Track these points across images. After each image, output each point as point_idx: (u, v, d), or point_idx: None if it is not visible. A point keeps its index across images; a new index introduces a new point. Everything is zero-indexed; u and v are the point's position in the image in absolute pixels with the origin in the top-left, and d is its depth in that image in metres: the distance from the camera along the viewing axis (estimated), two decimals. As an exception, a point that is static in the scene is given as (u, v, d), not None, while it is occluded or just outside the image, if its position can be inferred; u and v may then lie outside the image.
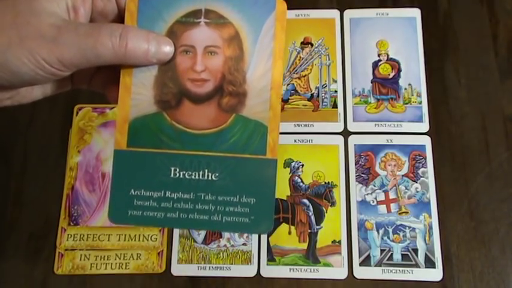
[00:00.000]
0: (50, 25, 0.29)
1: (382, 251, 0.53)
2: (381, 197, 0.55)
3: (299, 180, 0.56)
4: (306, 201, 0.55)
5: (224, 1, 0.35)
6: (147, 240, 0.54)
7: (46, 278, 0.53)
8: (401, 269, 0.52)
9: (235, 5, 0.34)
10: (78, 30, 0.30)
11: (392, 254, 0.53)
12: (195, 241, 0.54)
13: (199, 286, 0.53)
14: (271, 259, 0.53)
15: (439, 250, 0.53)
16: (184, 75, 0.34)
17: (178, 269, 0.54)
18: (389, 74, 0.60)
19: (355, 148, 0.57)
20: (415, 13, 0.62)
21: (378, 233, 0.54)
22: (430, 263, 0.52)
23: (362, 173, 0.56)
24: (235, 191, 0.34)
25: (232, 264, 0.53)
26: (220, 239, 0.54)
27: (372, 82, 0.60)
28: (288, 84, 0.60)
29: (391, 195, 0.55)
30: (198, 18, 0.34)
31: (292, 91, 0.60)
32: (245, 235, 0.54)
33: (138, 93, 0.34)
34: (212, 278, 0.53)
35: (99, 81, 0.36)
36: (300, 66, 0.61)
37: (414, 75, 0.59)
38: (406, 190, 0.55)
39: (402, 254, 0.53)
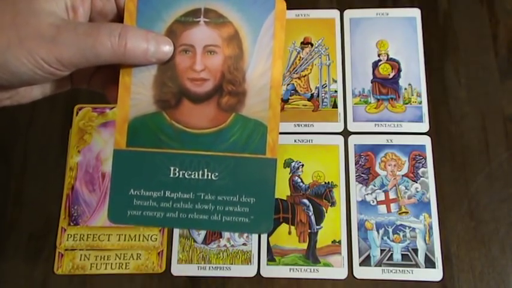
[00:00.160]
0: (49, 25, 0.29)
1: (382, 251, 0.53)
2: (381, 197, 0.55)
3: (299, 180, 0.56)
4: (306, 201, 0.55)
5: (223, 0, 0.34)
6: (147, 240, 0.54)
7: (46, 278, 0.53)
8: (401, 269, 0.52)
9: (235, 4, 0.34)
10: (77, 30, 0.30)
11: (392, 254, 0.53)
12: (195, 241, 0.54)
13: (199, 286, 0.53)
14: (271, 259, 0.53)
15: (439, 250, 0.53)
16: (183, 75, 0.34)
17: (178, 269, 0.54)
18: (389, 74, 0.60)
19: (355, 148, 0.57)
20: (415, 13, 0.62)
21: (378, 233, 0.54)
22: (430, 263, 0.52)
23: (362, 173, 0.56)
24: (234, 190, 0.34)
25: (232, 264, 0.53)
26: (220, 239, 0.54)
27: (372, 82, 0.60)
28: (288, 84, 0.60)
29: (391, 195, 0.55)
30: (198, 18, 0.34)
31: (292, 91, 0.60)
32: (245, 235, 0.54)
33: (137, 93, 0.34)
34: (212, 278, 0.53)
35: (99, 81, 0.36)
36: (300, 66, 0.61)
37: (414, 75, 0.59)
38: (406, 190, 0.55)
39: (402, 254, 0.53)
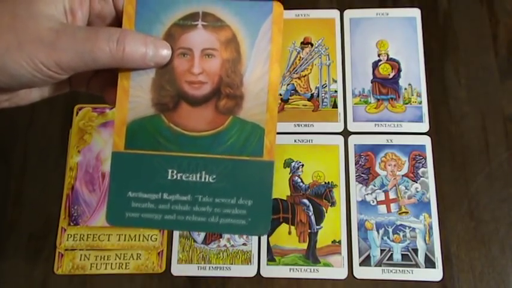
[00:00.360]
0: (49, 29, 0.29)
1: (382, 251, 0.53)
2: (381, 197, 0.55)
3: (299, 180, 0.56)
4: (306, 201, 0.55)
5: (221, 4, 0.34)
6: (147, 240, 0.54)
7: (46, 278, 0.53)
8: (401, 269, 0.52)
9: (233, 8, 0.34)
10: (76, 35, 0.30)
11: (392, 254, 0.53)
12: (195, 241, 0.54)
13: (199, 286, 0.53)
14: (271, 259, 0.53)
15: (439, 250, 0.53)
16: (181, 78, 0.34)
17: (178, 269, 0.54)
18: (389, 74, 0.60)
19: (355, 148, 0.57)
20: (415, 13, 0.62)
21: (378, 233, 0.54)
22: (430, 263, 0.52)
23: (362, 173, 0.56)
24: (232, 192, 0.34)
25: (232, 264, 0.53)
26: (220, 239, 0.54)
27: (372, 82, 0.60)
28: (288, 84, 0.60)
29: (391, 195, 0.55)
30: (196, 21, 0.34)
31: (292, 91, 0.60)
32: (245, 235, 0.54)
33: (136, 96, 0.34)
34: (212, 278, 0.53)
35: (97, 84, 0.36)
36: (300, 66, 0.61)
37: (414, 75, 0.59)
38: (406, 190, 0.55)
39: (402, 254, 0.53)
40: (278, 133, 0.58)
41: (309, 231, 0.54)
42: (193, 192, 0.34)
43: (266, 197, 0.34)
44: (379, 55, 0.60)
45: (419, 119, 0.58)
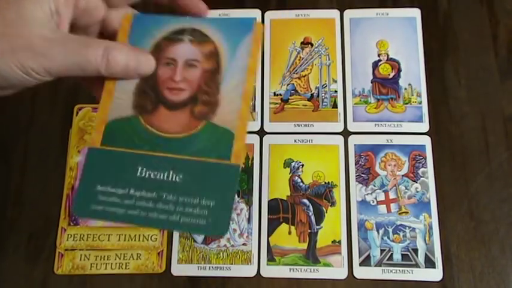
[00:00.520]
0: (40, 37, 0.32)
1: (382, 251, 0.53)
2: (381, 197, 0.55)
3: (299, 180, 0.56)
4: (306, 201, 0.55)
5: (208, 22, 0.38)
6: (147, 240, 0.54)
7: (46, 278, 0.53)
8: (401, 269, 0.52)
9: (218, 26, 0.38)
10: (66, 45, 0.32)
11: (392, 254, 0.53)
12: (195, 241, 0.54)
13: (199, 286, 0.53)
14: (271, 259, 0.53)
15: (439, 250, 0.53)
16: (163, 85, 0.37)
17: (178, 269, 0.54)
18: (389, 74, 0.60)
19: (355, 148, 0.57)
20: (415, 13, 0.62)
21: (378, 233, 0.54)
22: (430, 263, 0.52)
23: (362, 173, 0.56)
24: (196, 193, 0.35)
25: (232, 264, 0.53)
26: (220, 239, 0.54)
27: (372, 82, 0.60)
28: (288, 84, 0.60)
29: (391, 195, 0.55)
30: (183, 36, 0.37)
31: (292, 91, 0.60)
32: (245, 235, 0.54)
33: (118, 98, 0.36)
34: (212, 278, 0.53)
35: (86, 80, 0.37)
36: (300, 66, 0.61)
37: (414, 75, 0.59)
38: (406, 190, 0.55)
39: (402, 254, 0.53)
40: (278, 133, 0.58)
41: (309, 231, 0.54)
42: (158, 190, 0.35)
43: (228, 199, 0.35)
44: (379, 55, 0.60)
45: (419, 119, 0.58)
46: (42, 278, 0.53)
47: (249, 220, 0.55)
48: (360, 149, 0.57)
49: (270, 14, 0.63)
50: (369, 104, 0.59)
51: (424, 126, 0.57)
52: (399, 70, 0.60)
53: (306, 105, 0.59)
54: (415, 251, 0.53)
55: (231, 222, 0.54)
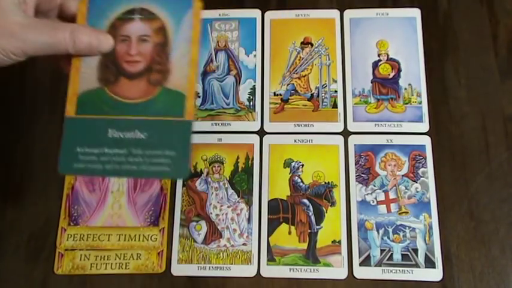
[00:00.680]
0: (17, 23, 0.38)
1: (382, 251, 0.53)
2: (381, 197, 0.55)
3: (299, 180, 0.56)
4: (306, 201, 0.55)
5: (154, 2, 0.44)
6: (147, 240, 0.54)
7: (46, 278, 0.53)
8: (401, 269, 0.52)
9: (162, 4, 0.44)
10: (40, 29, 0.39)
11: (392, 254, 0.53)
12: (195, 241, 0.54)
13: (199, 286, 0.53)
14: (271, 259, 0.53)
15: (439, 250, 0.53)
16: (122, 58, 0.43)
17: (178, 269, 0.54)
18: (389, 74, 0.60)
19: (355, 148, 0.57)
20: (415, 13, 0.62)
21: (378, 233, 0.54)
22: (430, 263, 0.52)
23: (362, 173, 0.56)
24: (159, 146, 0.42)
25: (232, 264, 0.53)
26: (220, 239, 0.54)
27: (372, 82, 0.60)
28: (288, 84, 0.60)
29: (391, 195, 0.55)
30: (134, 15, 0.44)
31: (292, 91, 0.60)
32: (245, 235, 0.54)
33: (85, 73, 0.43)
34: (212, 278, 0.53)
35: (56, 58, 0.44)
36: (300, 66, 0.61)
37: (414, 75, 0.59)
38: (406, 190, 0.55)
39: (402, 254, 0.53)
40: (278, 133, 0.58)
41: (309, 231, 0.54)
42: (128, 147, 0.42)
43: (185, 149, 0.42)
44: (379, 55, 0.60)
45: (419, 119, 0.58)
46: (42, 278, 0.53)
47: (249, 220, 0.55)
48: (360, 149, 0.57)
49: (270, 14, 0.63)
50: (369, 104, 0.59)
51: (424, 126, 0.57)
52: (399, 70, 0.60)
53: (306, 105, 0.59)
54: (415, 251, 0.53)
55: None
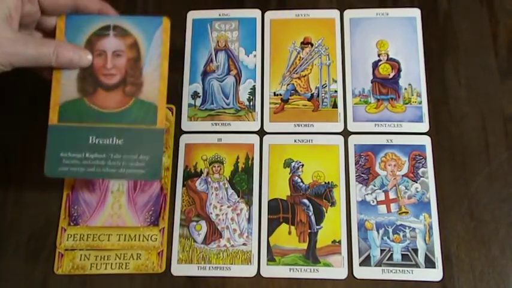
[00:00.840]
0: (7, 39, 0.43)
1: (382, 251, 0.53)
2: (381, 197, 0.55)
3: (299, 180, 0.56)
4: (306, 201, 0.55)
5: (126, 20, 0.49)
6: (147, 240, 0.54)
7: (46, 278, 0.53)
8: (401, 269, 0.52)
9: (134, 22, 0.49)
10: (27, 45, 0.44)
11: (392, 254, 0.53)
12: (195, 241, 0.54)
13: (199, 286, 0.53)
14: (271, 259, 0.53)
15: (439, 250, 0.53)
16: (98, 72, 0.48)
17: (178, 269, 0.54)
18: (389, 74, 0.60)
19: (355, 148, 0.57)
20: (415, 13, 0.62)
21: (378, 233, 0.54)
22: (430, 263, 0.52)
23: (362, 173, 0.56)
24: (134, 151, 0.48)
25: (232, 264, 0.53)
26: (220, 239, 0.54)
27: (372, 82, 0.60)
28: (288, 84, 0.60)
29: (391, 195, 0.55)
30: (108, 31, 0.49)
31: (292, 91, 0.60)
32: (245, 235, 0.54)
33: (65, 85, 0.48)
34: (212, 278, 0.53)
35: (39, 68, 0.49)
36: (300, 66, 0.61)
37: (414, 75, 0.59)
38: (406, 190, 0.55)
39: (402, 254, 0.53)
40: (278, 133, 0.59)
41: (309, 231, 0.54)
42: (107, 152, 0.47)
43: (158, 154, 0.48)
44: (379, 55, 0.60)
45: (419, 119, 0.58)
46: (42, 278, 0.53)
47: (249, 220, 0.55)
48: (360, 149, 0.57)
49: (270, 14, 0.63)
50: (369, 104, 0.59)
51: (424, 126, 0.57)
52: (399, 70, 0.60)
53: (306, 105, 0.59)
54: (415, 251, 0.53)
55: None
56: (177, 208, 0.56)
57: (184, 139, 0.58)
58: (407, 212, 0.54)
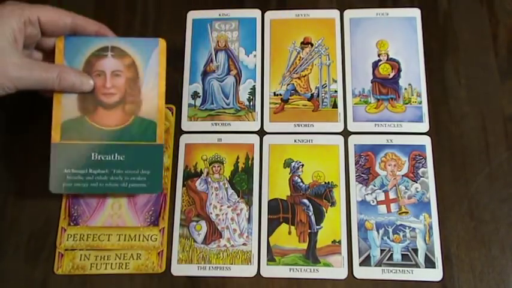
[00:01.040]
0: (13, 64, 0.46)
1: (382, 251, 0.53)
2: (381, 197, 0.55)
3: (299, 180, 0.56)
4: (306, 201, 0.55)
5: (124, 41, 0.52)
6: (147, 240, 0.54)
7: (46, 278, 0.53)
8: (401, 269, 0.52)
9: (131, 43, 0.52)
10: (32, 70, 0.47)
11: (392, 254, 0.53)
12: (195, 241, 0.54)
13: (199, 286, 0.53)
14: (271, 259, 0.53)
15: (439, 250, 0.53)
16: (98, 91, 0.51)
17: (178, 269, 0.54)
18: (389, 74, 0.60)
19: (355, 148, 0.57)
20: (415, 13, 0.62)
21: (378, 233, 0.54)
22: (430, 263, 0.52)
23: (362, 173, 0.56)
24: (136, 166, 0.50)
25: (232, 264, 0.53)
26: (220, 239, 0.54)
27: (372, 82, 0.60)
28: (288, 84, 0.60)
29: (391, 195, 0.55)
30: (106, 52, 0.51)
31: (292, 91, 0.60)
32: (245, 235, 0.54)
33: (66, 104, 0.50)
34: (212, 278, 0.53)
35: (43, 90, 0.52)
36: (300, 66, 0.61)
37: (414, 75, 0.59)
38: (406, 190, 0.55)
39: (402, 254, 0.53)
40: (278, 133, 0.59)
41: (309, 231, 0.54)
42: (109, 168, 0.50)
43: (158, 168, 0.51)
44: (379, 55, 0.60)
45: (419, 119, 0.58)
46: (42, 278, 0.53)
47: (249, 220, 0.55)
48: (360, 149, 0.57)
49: (270, 14, 0.63)
50: (369, 104, 0.59)
51: (424, 126, 0.57)
52: (399, 70, 0.60)
53: (306, 105, 0.59)
54: (415, 251, 0.53)
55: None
56: (177, 208, 0.56)
57: (184, 139, 0.58)
58: (407, 212, 0.54)
